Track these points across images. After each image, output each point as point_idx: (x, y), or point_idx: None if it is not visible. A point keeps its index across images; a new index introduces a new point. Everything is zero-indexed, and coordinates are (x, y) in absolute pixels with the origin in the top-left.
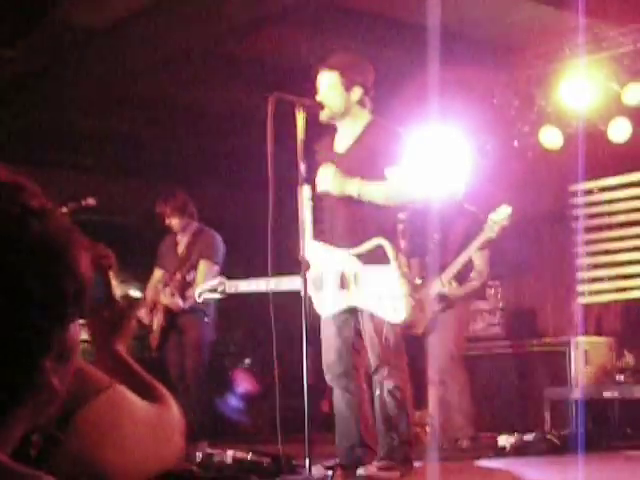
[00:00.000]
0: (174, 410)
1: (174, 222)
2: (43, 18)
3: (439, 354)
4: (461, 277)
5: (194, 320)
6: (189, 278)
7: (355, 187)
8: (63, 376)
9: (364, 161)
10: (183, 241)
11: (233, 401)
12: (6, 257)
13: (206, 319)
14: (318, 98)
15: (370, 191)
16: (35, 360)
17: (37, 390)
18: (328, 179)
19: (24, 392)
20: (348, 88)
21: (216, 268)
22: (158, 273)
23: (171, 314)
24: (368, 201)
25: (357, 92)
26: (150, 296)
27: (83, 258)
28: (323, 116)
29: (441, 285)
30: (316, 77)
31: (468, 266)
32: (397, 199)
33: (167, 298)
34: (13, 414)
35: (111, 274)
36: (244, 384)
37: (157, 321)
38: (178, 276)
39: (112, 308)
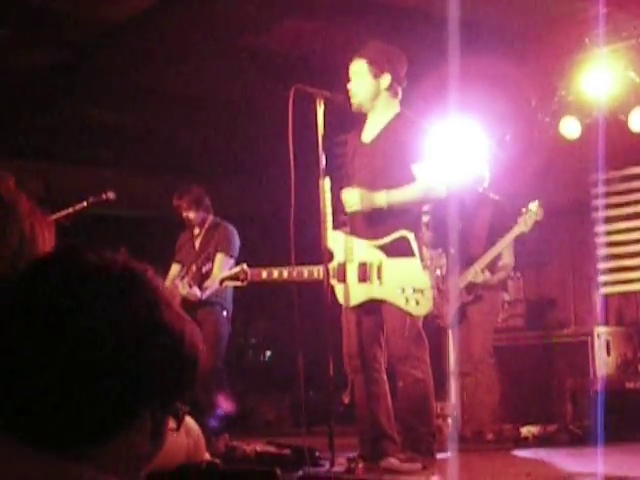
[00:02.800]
0: None
1: (191, 216)
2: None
3: (472, 346)
4: (491, 268)
5: (212, 313)
6: (205, 269)
7: (383, 199)
8: (157, 438)
9: (388, 153)
10: (200, 235)
11: (212, 422)
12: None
13: (224, 312)
14: (349, 87)
15: (397, 198)
16: (139, 401)
17: (131, 431)
18: (356, 202)
19: (120, 425)
20: (377, 75)
21: (232, 261)
22: (175, 268)
23: (189, 307)
24: (398, 204)
25: (386, 79)
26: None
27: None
28: (354, 105)
29: (475, 274)
30: (344, 69)
31: (496, 257)
32: (425, 198)
33: (185, 289)
34: (106, 444)
35: None
36: (224, 406)
37: None
38: (194, 268)
39: None
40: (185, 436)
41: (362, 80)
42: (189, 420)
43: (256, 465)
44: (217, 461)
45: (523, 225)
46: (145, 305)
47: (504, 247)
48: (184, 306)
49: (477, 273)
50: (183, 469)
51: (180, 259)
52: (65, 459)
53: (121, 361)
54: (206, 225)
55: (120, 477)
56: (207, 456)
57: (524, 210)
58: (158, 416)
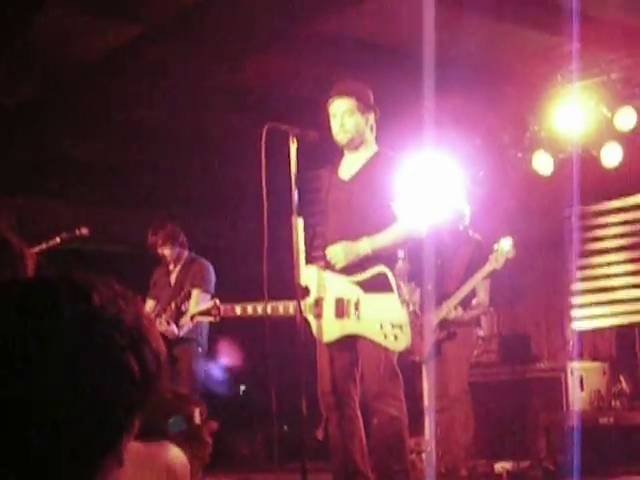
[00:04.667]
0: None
1: (166, 252)
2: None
3: (447, 383)
4: (464, 305)
5: (187, 350)
6: (184, 308)
7: (367, 247)
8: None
9: (367, 191)
10: (175, 271)
11: (216, 372)
12: (113, 339)
13: (199, 349)
14: (336, 125)
15: (381, 243)
16: (120, 436)
17: (110, 463)
18: (341, 257)
19: (103, 462)
20: (364, 113)
21: (208, 297)
22: (150, 303)
23: (165, 344)
24: (381, 249)
25: (371, 117)
26: None
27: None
28: (343, 141)
29: (447, 311)
30: (321, 106)
31: (470, 294)
32: (407, 239)
33: (163, 326)
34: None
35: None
36: (228, 356)
37: None
38: (173, 306)
39: (193, 440)
40: None
41: (352, 117)
42: (177, 464)
43: None
44: None
45: (494, 262)
46: (102, 351)
47: (476, 284)
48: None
49: (450, 310)
50: None
51: (155, 295)
52: None
53: (90, 412)
54: (182, 261)
55: None
56: None
57: (496, 247)
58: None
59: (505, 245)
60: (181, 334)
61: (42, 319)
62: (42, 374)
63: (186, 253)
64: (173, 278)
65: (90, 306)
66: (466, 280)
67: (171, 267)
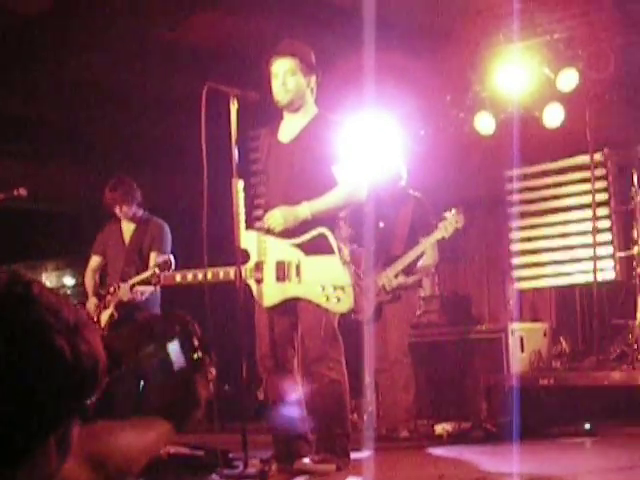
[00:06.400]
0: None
1: (124, 209)
2: None
3: (388, 345)
4: (407, 271)
5: (146, 311)
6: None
7: (307, 211)
8: (64, 447)
9: (308, 154)
10: (129, 229)
11: (290, 412)
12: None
13: (156, 309)
14: (277, 84)
15: (321, 207)
16: (45, 429)
17: (35, 459)
18: (280, 222)
19: (26, 453)
20: (306, 75)
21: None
22: (96, 260)
23: (125, 307)
24: (321, 213)
25: (313, 79)
26: (91, 285)
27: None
28: (283, 101)
29: (387, 279)
30: (264, 65)
31: (415, 258)
32: (347, 203)
33: (127, 294)
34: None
35: (195, 340)
36: (291, 393)
37: (106, 314)
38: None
39: (195, 376)
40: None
41: (294, 77)
42: (117, 442)
43: (169, 469)
44: None
45: (443, 231)
46: (35, 331)
47: (423, 250)
48: (119, 306)
49: (390, 279)
50: None
51: (103, 252)
52: None
53: (18, 394)
54: (137, 220)
55: None
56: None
57: (446, 216)
58: (62, 430)
59: (455, 215)
60: (143, 299)
61: None
62: None
63: (141, 212)
64: (127, 237)
65: (28, 291)
66: (411, 240)
67: (123, 224)
